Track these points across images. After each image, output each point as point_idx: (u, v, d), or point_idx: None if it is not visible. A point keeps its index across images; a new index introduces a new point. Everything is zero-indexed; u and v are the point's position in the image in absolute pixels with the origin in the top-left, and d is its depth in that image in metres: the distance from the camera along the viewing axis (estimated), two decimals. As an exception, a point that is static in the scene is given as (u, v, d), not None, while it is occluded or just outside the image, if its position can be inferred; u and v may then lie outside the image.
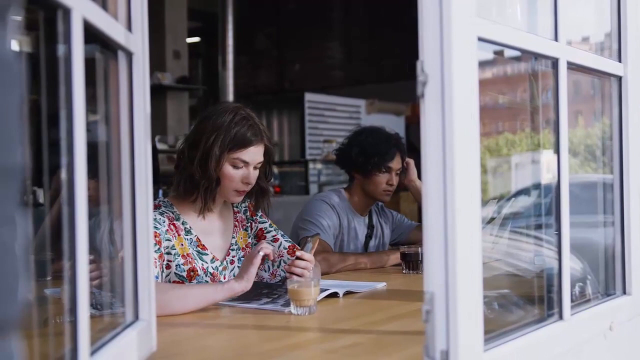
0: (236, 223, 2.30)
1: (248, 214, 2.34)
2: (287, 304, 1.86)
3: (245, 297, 1.99)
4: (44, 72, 1.04)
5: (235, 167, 2.12)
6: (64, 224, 0.97)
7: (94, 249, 1.11)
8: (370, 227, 3.05)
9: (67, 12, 0.95)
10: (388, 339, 1.59)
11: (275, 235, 2.32)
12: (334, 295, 2.04)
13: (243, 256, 2.26)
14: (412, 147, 4.90)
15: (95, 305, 1.32)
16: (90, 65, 1.07)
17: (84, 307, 0.98)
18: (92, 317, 1.03)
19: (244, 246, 2.30)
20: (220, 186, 2.14)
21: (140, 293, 1.33)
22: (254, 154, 2.14)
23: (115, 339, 1.20)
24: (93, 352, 1.05)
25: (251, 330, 1.69)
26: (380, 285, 2.28)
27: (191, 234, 2.16)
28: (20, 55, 0.58)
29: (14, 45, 0.57)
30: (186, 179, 2.13)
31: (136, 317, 1.32)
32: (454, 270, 1.12)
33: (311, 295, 1.81)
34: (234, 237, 2.27)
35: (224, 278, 2.19)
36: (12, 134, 0.54)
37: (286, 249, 2.28)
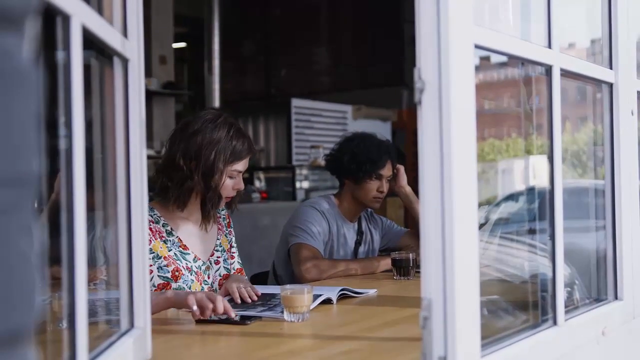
0: (219, 227, 2.38)
1: (226, 222, 2.43)
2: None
3: (241, 306, 1.98)
4: (41, 78, 1.03)
5: (231, 177, 2.22)
6: (62, 231, 0.97)
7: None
8: (360, 233, 3.05)
9: (66, 18, 0.94)
10: (383, 345, 1.59)
11: (234, 253, 2.43)
12: (327, 301, 2.04)
13: (227, 258, 2.35)
14: (398, 153, 4.91)
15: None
16: (85, 71, 1.06)
17: (82, 315, 0.97)
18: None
19: (227, 249, 2.38)
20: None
21: (135, 301, 1.32)
22: (246, 163, 2.26)
23: (112, 347, 1.19)
24: (90, 361, 1.05)
25: (245, 338, 1.68)
26: (372, 292, 2.28)
27: (173, 235, 2.21)
28: (36, 65, 0.57)
29: (30, 54, 0.57)
30: (186, 191, 2.18)
31: (131, 325, 1.31)
32: (451, 277, 1.12)
33: (304, 302, 1.80)
34: (218, 239, 2.35)
35: (209, 277, 2.26)
36: (31, 144, 0.54)
37: (234, 270, 2.37)
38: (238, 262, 2.44)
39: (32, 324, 0.54)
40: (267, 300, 2.07)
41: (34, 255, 0.54)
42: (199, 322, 1.82)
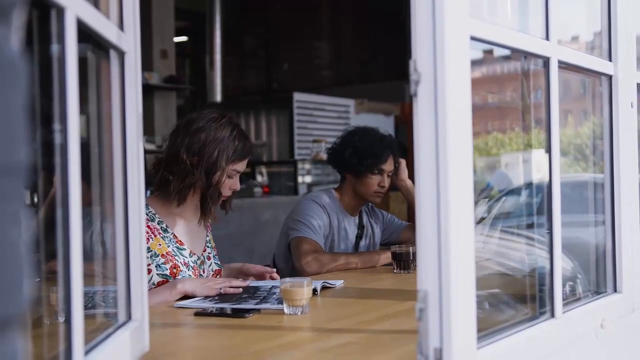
0: (208, 224, 2.41)
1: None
2: (281, 301, 1.85)
3: (235, 299, 1.98)
4: (36, 71, 1.03)
5: (229, 177, 2.25)
6: (58, 225, 0.97)
7: (84, 249, 1.11)
8: (361, 227, 3.05)
9: (61, 11, 0.94)
10: (381, 337, 1.60)
11: (215, 253, 2.43)
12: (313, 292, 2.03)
13: (215, 255, 2.40)
14: (401, 147, 4.91)
15: (86, 305, 1.31)
16: (81, 64, 1.06)
17: (78, 307, 0.98)
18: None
19: (213, 246, 2.42)
20: None
21: (132, 293, 1.33)
22: (245, 164, 2.30)
23: (109, 339, 1.19)
24: (87, 352, 1.05)
25: (244, 330, 1.69)
26: (339, 283, 2.29)
27: (168, 232, 2.23)
28: (24, 55, 0.58)
29: (18, 45, 0.57)
30: (187, 186, 2.20)
31: (129, 317, 1.32)
32: (447, 269, 1.13)
33: (304, 295, 1.80)
34: (208, 236, 2.40)
35: (203, 272, 2.30)
36: (18, 133, 0.54)
37: (213, 271, 2.37)
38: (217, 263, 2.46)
39: (22, 312, 0.55)
40: (253, 293, 2.06)
41: (22, 244, 0.55)
42: (197, 314, 1.82)
